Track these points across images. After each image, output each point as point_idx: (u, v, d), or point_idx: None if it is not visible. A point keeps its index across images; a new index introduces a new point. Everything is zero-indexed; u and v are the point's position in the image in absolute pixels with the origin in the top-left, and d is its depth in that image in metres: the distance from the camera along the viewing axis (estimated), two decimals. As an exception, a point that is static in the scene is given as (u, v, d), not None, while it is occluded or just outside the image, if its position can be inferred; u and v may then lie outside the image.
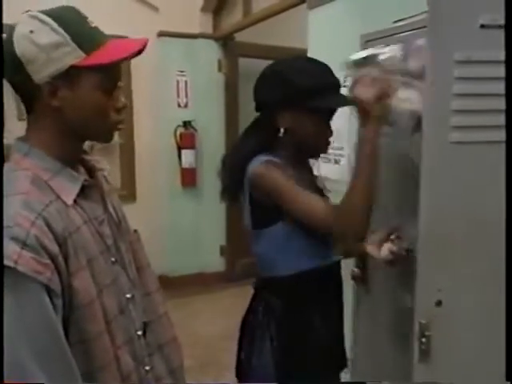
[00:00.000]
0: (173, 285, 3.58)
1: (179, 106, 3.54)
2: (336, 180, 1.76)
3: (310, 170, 1.29)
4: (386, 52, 1.12)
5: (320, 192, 1.23)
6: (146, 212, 3.53)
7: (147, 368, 0.89)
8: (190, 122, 3.52)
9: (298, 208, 1.08)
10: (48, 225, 0.70)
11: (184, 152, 3.49)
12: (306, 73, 1.10)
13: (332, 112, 1.17)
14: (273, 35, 3.28)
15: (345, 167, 1.69)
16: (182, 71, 3.50)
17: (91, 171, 0.88)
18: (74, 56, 0.73)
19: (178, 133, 3.52)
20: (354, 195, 1.04)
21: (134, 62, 3.34)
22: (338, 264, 1.25)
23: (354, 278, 1.59)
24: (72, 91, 0.75)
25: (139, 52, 0.79)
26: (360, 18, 1.60)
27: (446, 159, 0.95)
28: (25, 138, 0.80)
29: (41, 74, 0.73)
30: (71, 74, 0.74)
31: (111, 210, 0.89)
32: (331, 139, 1.18)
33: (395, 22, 1.42)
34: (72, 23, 0.75)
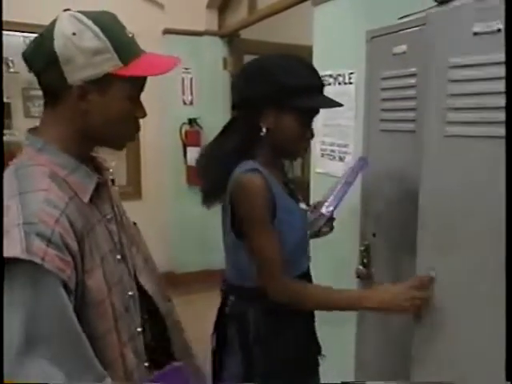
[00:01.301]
0: (178, 282, 3.60)
1: (184, 103, 3.55)
2: (339, 177, 1.76)
3: (283, 171, 1.27)
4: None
5: (292, 195, 1.22)
6: (151, 209, 3.54)
7: (146, 364, 0.89)
8: (195, 119, 3.52)
9: (256, 252, 1.10)
10: (70, 223, 0.71)
11: (189, 149, 3.49)
12: (292, 71, 1.08)
13: (315, 113, 1.16)
14: (278, 32, 3.26)
15: (350, 165, 1.68)
16: (187, 68, 3.50)
17: (99, 169, 0.89)
18: (111, 64, 0.75)
19: (183, 130, 3.52)
20: (314, 299, 1.12)
21: (139, 59, 3.35)
22: (308, 270, 1.26)
23: (358, 275, 1.58)
24: (101, 97, 0.77)
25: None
26: (365, 14, 1.59)
27: (443, 151, 1.06)
28: (38, 132, 0.80)
29: (76, 75, 0.74)
30: (104, 81, 0.75)
31: (116, 206, 0.91)
32: (311, 141, 1.18)
33: (400, 18, 1.41)
34: (113, 31, 0.76)
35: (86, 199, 0.77)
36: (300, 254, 1.20)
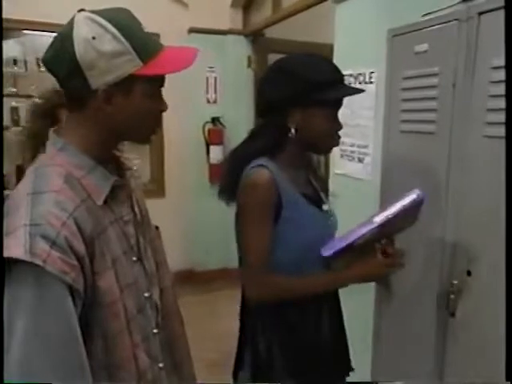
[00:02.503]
0: (199, 279, 3.63)
1: (208, 102, 3.56)
2: (359, 179, 1.72)
3: (312, 170, 1.26)
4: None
5: (315, 196, 1.20)
6: (174, 207, 3.58)
7: (161, 365, 0.89)
8: (218, 118, 3.53)
9: (242, 243, 1.12)
10: (78, 225, 0.70)
11: (212, 148, 3.51)
12: (312, 67, 1.08)
13: (339, 105, 1.14)
14: (303, 31, 3.23)
15: (369, 166, 1.65)
16: (211, 67, 3.51)
17: (121, 169, 0.89)
18: (133, 65, 0.74)
19: (206, 129, 3.54)
20: (290, 291, 1.12)
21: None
22: None
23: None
24: (125, 98, 0.76)
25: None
26: (388, 11, 1.55)
27: (481, 151, 1.10)
28: (61, 132, 0.80)
29: (99, 80, 0.73)
30: (127, 82, 0.75)
31: (136, 208, 0.89)
32: (341, 133, 1.15)
33: (424, 15, 1.37)
34: (131, 30, 0.75)
35: (100, 201, 0.77)
36: (310, 258, 1.13)
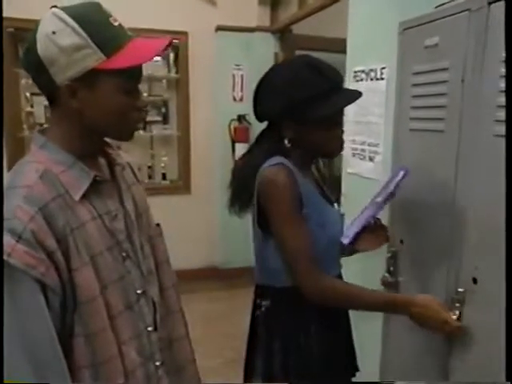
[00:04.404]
0: (222, 277, 3.65)
1: (234, 99, 3.57)
2: (371, 178, 1.66)
3: (319, 170, 1.24)
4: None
5: (325, 195, 1.18)
6: (199, 204, 3.61)
7: (157, 363, 0.88)
8: (244, 115, 3.53)
9: (285, 246, 1.07)
10: (47, 220, 0.70)
11: (238, 146, 3.51)
12: (299, 83, 1.05)
13: (335, 115, 1.09)
14: (330, 27, 3.15)
15: (379, 165, 1.58)
16: (238, 65, 3.51)
17: (112, 165, 0.89)
18: (94, 59, 0.73)
19: (232, 126, 3.55)
20: (349, 298, 1.09)
21: (191, 55, 3.41)
22: (340, 277, 1.21)
23: (384, 283, 1.49)
24: (91, 93, 0.75)
25: (163, 51, 0.78)
26: (401, 3, 1.47)
27: (492, 150, 1.02)
28: (44, 131, 0.82)
29: (61, 76, 0.73)
30: (91, 77, 0.74)
31: (128, 204, 0.88)
32: (345, 138, 1.12)
33: (437, 6, 1.29)
34: (94, 24, 0.74)
35: (77, 197, 0.76)
36: (330, 257, 1.15)
